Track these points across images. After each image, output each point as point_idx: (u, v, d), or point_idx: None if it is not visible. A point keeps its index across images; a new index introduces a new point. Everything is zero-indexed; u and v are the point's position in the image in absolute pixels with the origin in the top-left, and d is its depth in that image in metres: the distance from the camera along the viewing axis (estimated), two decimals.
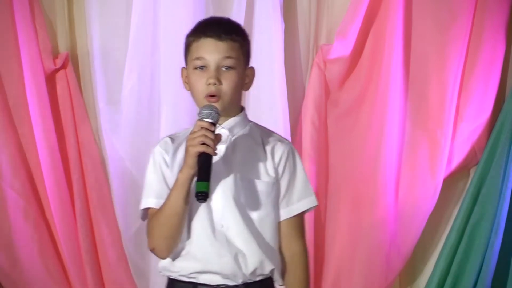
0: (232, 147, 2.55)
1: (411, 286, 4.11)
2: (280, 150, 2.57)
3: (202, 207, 2.49)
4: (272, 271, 2.55)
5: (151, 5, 3.89)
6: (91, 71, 3.96)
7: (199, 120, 2.44)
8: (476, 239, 3.86)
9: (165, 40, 3.87)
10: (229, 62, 2.52)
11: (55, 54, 3.97)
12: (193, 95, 2.56)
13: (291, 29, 3.99)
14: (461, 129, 3.94)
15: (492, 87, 3.92)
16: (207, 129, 2.41)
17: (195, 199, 2.39)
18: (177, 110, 3.84)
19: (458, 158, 3.95)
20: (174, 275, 2.55)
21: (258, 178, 2.53)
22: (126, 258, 3.95)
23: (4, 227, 3.86)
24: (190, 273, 2.51)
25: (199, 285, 2.51)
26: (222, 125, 2.54)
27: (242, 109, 2.61)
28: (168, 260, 2.54)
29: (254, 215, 2.52)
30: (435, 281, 3.91)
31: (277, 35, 3.90)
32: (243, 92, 2.60)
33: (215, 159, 2.44)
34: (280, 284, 2.58)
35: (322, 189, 3.96)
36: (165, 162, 2.56)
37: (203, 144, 2.40)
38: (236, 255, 2.49)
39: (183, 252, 2.52)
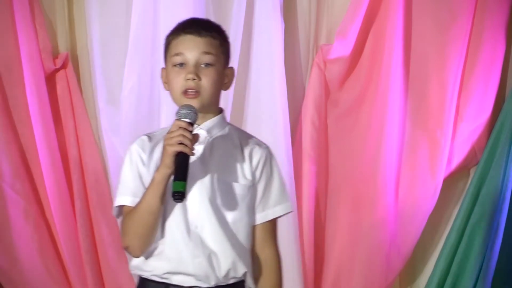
0: (210, 148, 2.53)
1: (411, 286, 4.10)
2: (258, 154, 2.56)
3: (178, 207, 2.48)
4: (245, 274, 2.53)
5: (151, 5, 3.88)
6: (91, 71, 3.96)
7: (177, 119, 2.43)
8: (476, 239, 3.86)
9: None
10: (208, 59, 2.51)
11: (55, 54, 3.97)
12: (171, 93, 2.54)
13: (291, 29, 3.99)
14: (461, 129, 3.94)
15: (492, 87, 3.92)
16: (185, 128, 2.40)
17: (170, 198, 2.38)
18: None
19: (458, 158, 3.95)
20: (146, 275, 2.52)
21: (235, 180, 2.52)
22: (126, 258, 3.94)
23: (4, 227, 3.86)
24: (163, 273, 2.49)
25: (171, 286, 2.49)
26: (200, 126, 2.53)
27: (221, 110, 2.60)
28: (141, 259, 2.51)
29: (229, 217, 2.50)
30: (435, 281, 3.91)
31: (277, 35, 3.89)
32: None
33: (192, 159, 2.42)
34: None
35: (322, 189, 3.96)
36: (142, 160, 2.53)
37: (181, 143, 2.38)
38: (210, 256, 2.48)
39: (156, 252, 2.50)
